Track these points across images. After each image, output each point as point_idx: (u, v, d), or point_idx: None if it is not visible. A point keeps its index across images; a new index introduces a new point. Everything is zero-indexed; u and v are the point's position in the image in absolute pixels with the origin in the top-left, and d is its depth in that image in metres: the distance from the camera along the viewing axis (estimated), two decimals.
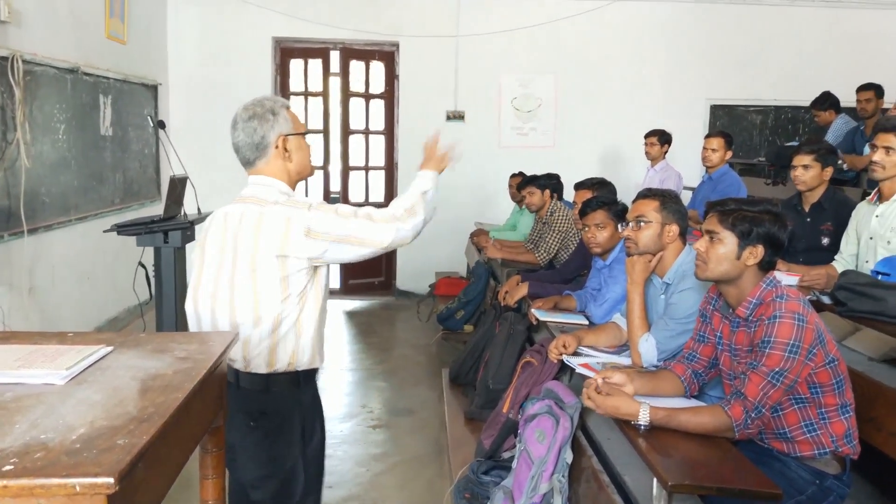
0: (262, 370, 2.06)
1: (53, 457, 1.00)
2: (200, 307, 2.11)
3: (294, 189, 2.18)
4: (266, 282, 2.01)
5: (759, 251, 2.12)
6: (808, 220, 3.72)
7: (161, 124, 5.27)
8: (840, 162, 5.53)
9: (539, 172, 5.33)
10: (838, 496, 2.15)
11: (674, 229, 2.68)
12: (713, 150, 5.15)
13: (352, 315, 7.21)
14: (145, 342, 1.57)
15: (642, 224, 2.70)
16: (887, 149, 3.09)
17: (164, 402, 1.20)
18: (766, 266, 2.15)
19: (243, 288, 2.02)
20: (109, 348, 1.46)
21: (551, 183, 5.07)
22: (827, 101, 6.06)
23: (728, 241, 2.15)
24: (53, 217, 5.06)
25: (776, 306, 2.05)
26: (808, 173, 3.65)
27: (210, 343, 1.55)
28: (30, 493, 0.95)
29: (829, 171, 3.66)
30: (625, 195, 3.94)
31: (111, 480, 0.95)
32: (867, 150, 3.43)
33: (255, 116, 2.08)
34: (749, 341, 2.14)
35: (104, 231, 4.44)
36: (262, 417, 2.08)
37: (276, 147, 2.09)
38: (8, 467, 0.96)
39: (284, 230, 2.00)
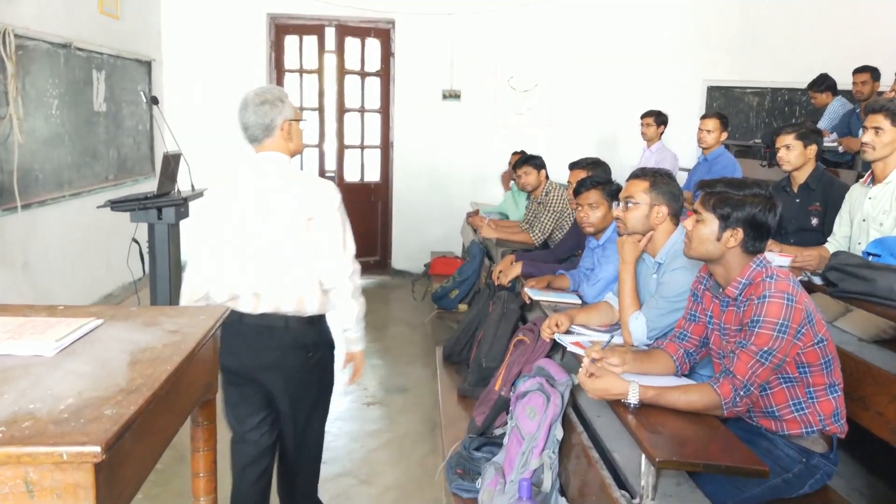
0: (316, 311, 2.47)
1: (41, 426, 1.00)
2: (233, 272, 2.41)
3: None
4: (305, 241, 2.39)
5: (738, 234, 2.13)
6: (797, 200, 3.73)
7: (155, 100, 5.24)
8: (836, 144, 5.54)
9: (535, 152, 5.32)
10: (825, 474, 2.18)
11: (662, 211, 2.67)
12: (708, 131, 5.15)
13: None
14: (136, 316, 1.58)
15: (630, 205, 2.70)
16: (876, 129, 3.09)
17: (152, 374, 1.20)
18: (750, 249, 2.15)
19: (290, 249, 2.38)
20: (99, 321, 1.46)
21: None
22: (824, 83, 6.05)
23: (709, 222, 2.16)
24: (47, 193, 5.05)
25: (766, 286, 2.06)
26: (790, 153, 3.66)
27: (200, 317, 1.55)
28: (17, 460, 0.96)
29: (813, 149, 3.66)
30: (620, 175, 3.93)
31: (98, 449, 0.95)
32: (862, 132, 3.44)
33: (266, 102, 2.43)
34: (738, 321, 2.15)
35: (98, 207, 4.43)
36: (315, 346, 2.50)
37: (282, 130, 2.45)
38: None
39: (323, 198, 2.41)
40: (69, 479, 0.98)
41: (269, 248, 2.37)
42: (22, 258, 4.75)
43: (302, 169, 7.76)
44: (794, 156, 3.66)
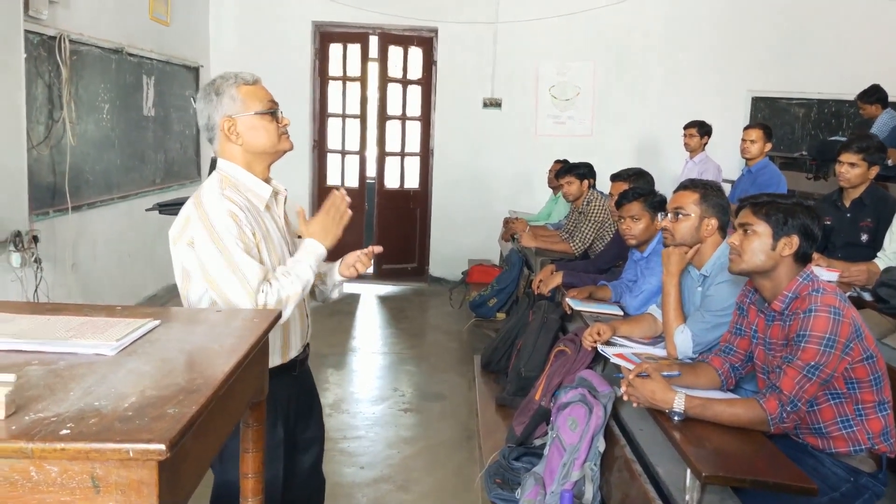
0: None
1: (107, 423, 1.03)
2: None
3: (263, 168, 2.06)
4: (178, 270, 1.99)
5: (794, 241, 2.11)
6: (848, 215, 3.67)
7: None
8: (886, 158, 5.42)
9: (577, 161, 5.30)
10: (874, 494, 2.13)
11: (712, 223, 2.66)
12: (752, 141, 5.09)
13: (384, 300, 7.26)
14: (190, 317, 1.61)
15: (680, 216, 2.68)
16: None
17: (211, 374, 1.23)
18: (801, 258, 2.13)
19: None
20: (157, 322, 1.50)
21: (588, 171, 5.04)
22: (875, 94, 5.92)
23: (763, 232, 2.14)
24: (96, 195, 5.18)
25: (812, 300, 2.03)
26: (853, 171, 3.59)
27: (253, 320, 1.58)
28: (85, 456, 0.98)
29: (875, 170, 3.60)
30: (662, 186, 3.91)
31: (163, 447, 0.98)
32: None
33: (203, 97, 2.01)
34: (784, 335, 2.13)
35: (146, 210, 4.53)
36: None
37: (222, 130, 1.98)
38: (65, 431, 1.00)
39: (183, 224, 1.95)
40: (133, 476, 1.00)
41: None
42: (71, 258, 4.87)
43: (343, 181, 7.82)
44: (856, 174, 3.59)
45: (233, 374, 1.28)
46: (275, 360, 2.02)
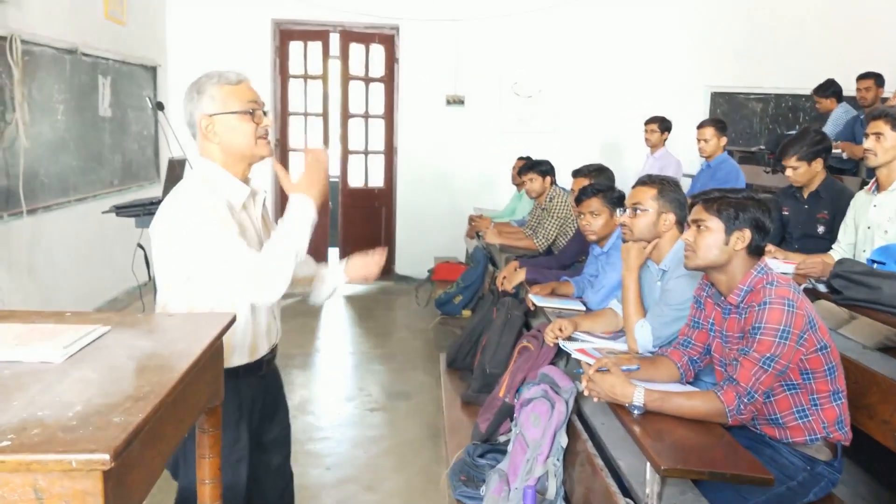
0: None
1: (50, 433, 1.01)
2: None
3: (241, 170, 2.05)
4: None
5: (746, 235, 2.14)
6: (806, 207, 3.73)
7: (160, 106, 5.25)
8: (839, 151, 5.52)
9: (540, 158, 5.32)
10: (829, 482, 2.17)
11: (670, 218, 2.68)
12: (706, 140, 5.15)
13: (350, 299, 7.22)
14: (142, 322, 1.59)
15: (639, 211, 2.71)
16: (878, 135, 3.10)
17: (159, 381, 1.21)
18: (754, 251, 2.16)
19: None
20: (107, 328, 1.47)
21: (550, 168, 5.06)
22: (830, 88, 6.04)
23: (715, 227, 2.17)
24: (52, 198, 5.07)
25: (766, 292, 2.06)
26: (797, 173, 3.67)
27: (207, 324, 1.56)
28: (27, 468, 0.96)
29: (819, 162, 3.65)
30: (624, 182, 3.94)
31: (107, 457, 0.96)
32: None
33: (186, 95, 2.02)
34: (740, 328, 2.16)
35: (103, 212, 4.44)
36: None
37: (200, 128, 1.98)
38: (5, 443, 0.97)
39: (167, 221, 1.95)
40: (78, 487, 0.98)
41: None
42: (27, 263, 4.76)
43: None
44: (800, 174, 3.66)
45: (183, 379, 1.26)
46: (243, 358, 2.03)
